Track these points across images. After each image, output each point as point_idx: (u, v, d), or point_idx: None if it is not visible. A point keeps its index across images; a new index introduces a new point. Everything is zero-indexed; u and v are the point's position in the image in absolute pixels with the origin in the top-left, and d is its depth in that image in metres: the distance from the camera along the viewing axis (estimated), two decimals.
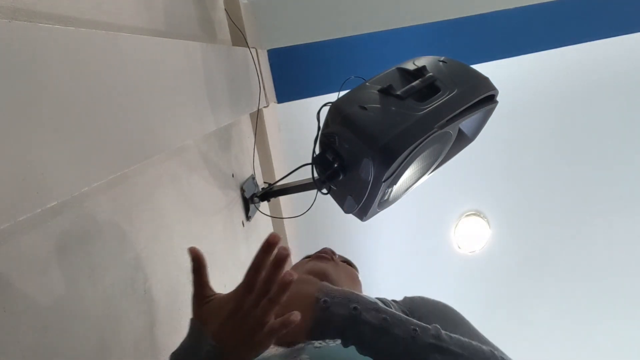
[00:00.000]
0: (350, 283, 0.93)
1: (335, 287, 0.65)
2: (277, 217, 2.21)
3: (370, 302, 0.64)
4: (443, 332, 0.61)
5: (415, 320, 0.62)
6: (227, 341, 0.56)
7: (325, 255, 0.96)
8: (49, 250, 0.69)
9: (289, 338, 0.64)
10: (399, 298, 0.86)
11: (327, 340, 0.62)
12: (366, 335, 0.60)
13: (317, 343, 0.62)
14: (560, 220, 3.07)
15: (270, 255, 0.56)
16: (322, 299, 0.62)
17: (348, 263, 1.02)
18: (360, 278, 1.00)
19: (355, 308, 0.62)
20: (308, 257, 1.04)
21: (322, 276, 0.86)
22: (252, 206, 1.83)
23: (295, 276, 0.55)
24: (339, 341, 0.61)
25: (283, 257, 0.55)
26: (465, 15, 2.18)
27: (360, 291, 0.95)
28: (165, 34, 1.25)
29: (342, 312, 0.62)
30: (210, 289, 0.63)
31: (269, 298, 0.55)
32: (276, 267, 0.55)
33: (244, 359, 0.57)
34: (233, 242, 1.63)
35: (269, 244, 0.56)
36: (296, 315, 0.54)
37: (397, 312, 0.63)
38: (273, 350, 0.65)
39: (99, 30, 0.81)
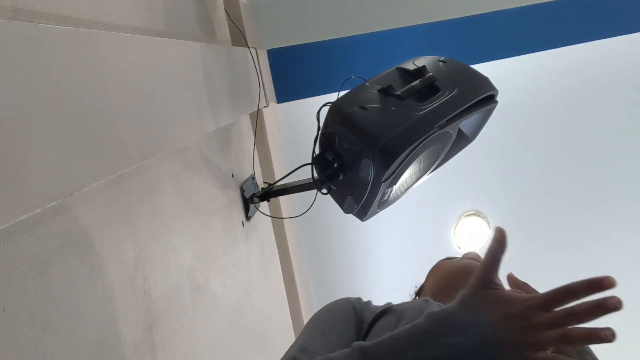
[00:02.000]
0: None
1: None
2: (277, 217, 2.21)
3: None
4: None
5: None
6: (500, 336, 0.53)
7: (476, 257, 0.96)
8: (49, 250, 0.69)
9: None
10: (407, 299, 0.86)
11: None
12: None
13: None
14: (559, 220, 3.06)
15: (592, 293, 0.51)
16: None
17: None
18: None
19: None
20: (450, 259, 1.04)
21: None
22: (252, 206, 1.83)
23: (614, 340, 0.50)
24: None
25: (612, 308, 0.50)
26: (465, 15, 2.18)
27: None
28: (165, 34, 1.25)
29: None
30: (497, 277, 0.58)
31: (565, 334, 0.51)
32: (594, 311, 0.50)
33: None
34: (233, 242, 1.63)
35: (600, 285, 0.51)
36: None
37: None
38: None
39: (99, 30, 0.81)
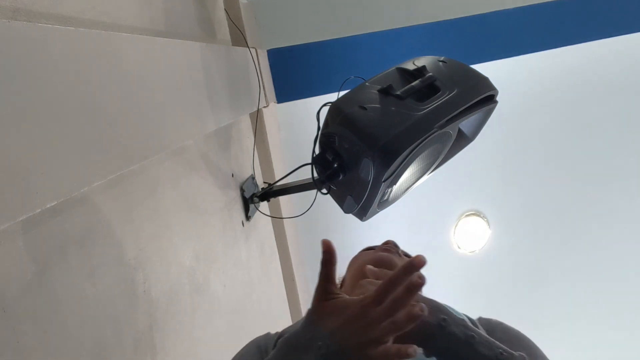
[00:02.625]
0: None
1: (422, 295, 0.64)
2: (276, 217, 2.21)
3: (459, 317, 0.64)
4: None
5: (502, 345, 0.61)
6: (341, 342, 0.55)
7: (390, 247, 0.96)
8: (49, 251, 0.69)
9: None
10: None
11: None
12: (451, 349, 0.60)
13: None
14: (559, 219, 3.07)
15: (410, 274, 0.55)
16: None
17: (408, 257, 1.02)
18: None
19: (444, 320, 0.62)
20: (370, 248, 1.04)
21: (390, 267, 0.86)
22: (251, 206, 1.83)
23: (426, 312, 0.54)
24: (420, 350, 0.60)
25: (417, 285, 0.54)
26: (465, 15, 2.18)
27: None
28: (165, 34, 1.25)
29: (431, 320, 0.61)
30: (335, 285, 0.61)
31: (393, 321, 0.54)
32: (407, 292, 0.54)
33: None
34: (233, 242, 1.63)
35: (413, 266, 0.55)
36: (414, 350, 0.52)
37: (484, 333, 0.63)
38: None
39: (99, 30, 0.81)
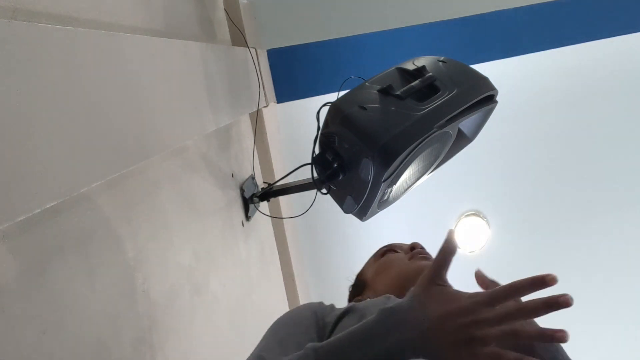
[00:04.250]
0: None
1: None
2: (276, 217, 2.21)
3: None
4: None
5: None
6: (440, 333, 0.53)
7: (427, 254, 0.94)
8: (48, 251, 0.69)
9: None
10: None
11: None
12: None
13: None
14: (559, 220, 3.06)
15: (535, 290, 0.53)
16: None
17: None
18: None
19: None
20: (392, 249, 1.01)
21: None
22: (251, 206, 1.83)
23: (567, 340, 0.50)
24: None
25: (565, 305, 0.51)
26: (465, 15, 2.18)
27: None
28: (165, 34, 1.25)
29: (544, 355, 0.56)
30: (446, 274, 0.59)
31: (514, 330, 0.52)
32: (547, 307, 0.51)
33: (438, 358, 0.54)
34: (232, 242, 1.63)
35: (543, 282, 0.52)
36: None
37: None
38: None
39: (98, 30, 0.81)
